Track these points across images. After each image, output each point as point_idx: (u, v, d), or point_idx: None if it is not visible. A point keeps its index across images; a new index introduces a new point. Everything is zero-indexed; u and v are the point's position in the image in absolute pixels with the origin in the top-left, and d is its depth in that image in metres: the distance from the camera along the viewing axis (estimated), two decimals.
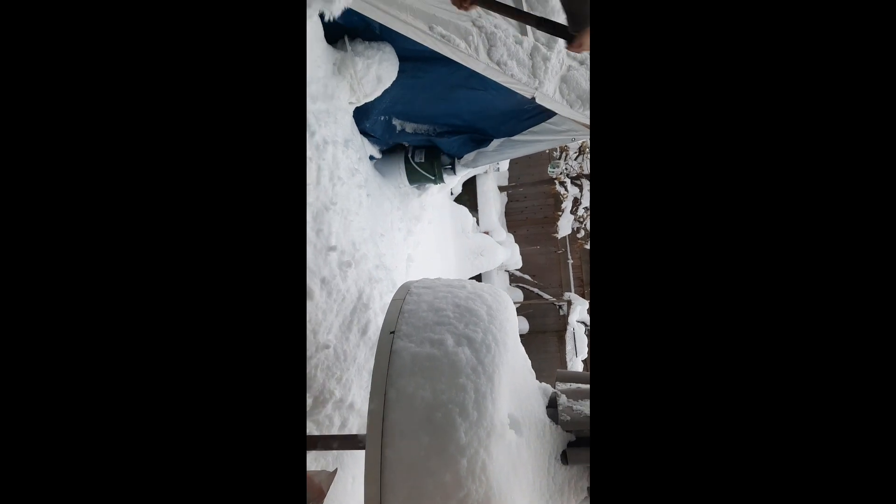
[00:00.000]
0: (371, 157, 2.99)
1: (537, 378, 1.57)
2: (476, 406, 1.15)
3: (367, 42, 2.16)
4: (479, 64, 2.16)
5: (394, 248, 3.19)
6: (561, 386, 1.54)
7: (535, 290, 5.64)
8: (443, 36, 2.03)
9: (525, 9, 0.94)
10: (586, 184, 5.35)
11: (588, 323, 5.24)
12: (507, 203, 5.99)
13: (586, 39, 0.98)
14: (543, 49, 2.35)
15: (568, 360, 5.05)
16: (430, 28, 2.01)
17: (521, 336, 5.56)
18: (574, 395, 1.47)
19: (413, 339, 1.28)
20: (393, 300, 1.43)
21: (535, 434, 1.33)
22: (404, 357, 1.24)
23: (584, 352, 5.03)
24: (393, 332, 1.30)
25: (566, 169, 5.44)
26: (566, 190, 5.27)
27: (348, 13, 1.85)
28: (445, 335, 1.28)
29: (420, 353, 1.24)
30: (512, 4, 1.03)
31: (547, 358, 5.29)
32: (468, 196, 5.24)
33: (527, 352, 1.58)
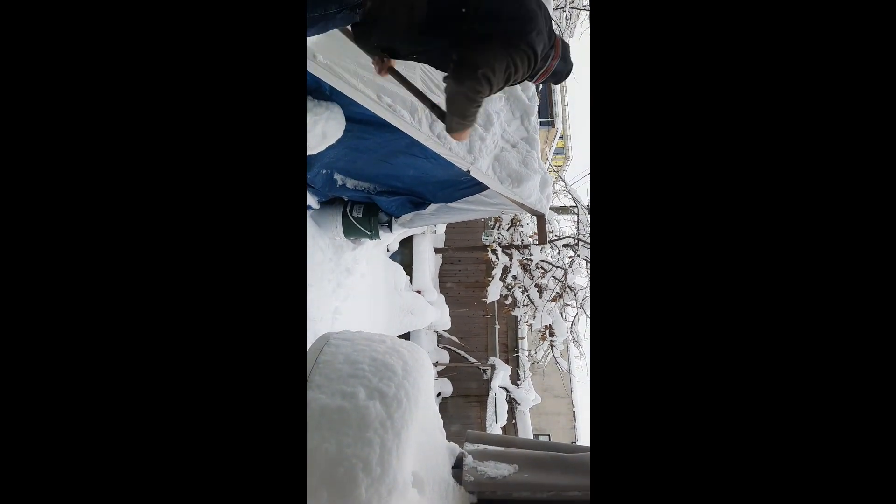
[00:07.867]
0: (308, 207, 3.02)
1: (455, 443, 1.59)
2: (380, 462, 1.15)
3: (316, 101, 2.28)
4: (421, 135, 2.33)
5: (321, 299, 3.15)
6: (469, 447, 1.57)
7: (462, 352, 5.69)
8: (389, 105, 2.20)
9: (425, 92, 1.22)
10: (516, 254, 5.66)
11: (509, 389, 5.33)
12: (441, 265, 6.15)
13: (457, 136, 1.25)
14: (480, 130, 2.60)
15: (487, 425, 5.04)
16: (379, 97, 2.17)
17: (444, 399, 5.51)
18: (481, 456, 1.50)
19: (325, 390, 1.28)
20: (310, 350, 1.43)
21: (437, 494, 1.34)
22: (313, 409, 1.23)
23: (502, 418, 5.06)
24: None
25: (498, 238, 5.74)
26: (497, 258, 5.53)
27: None
28: (358, 388, 1.29)
29: (330, 405, 1.23)
30: (417, 86, 1.26)
31: (468, 423, 5.24)
32: (404, 254, 5.33)
33: (448, 416, 1.61)
